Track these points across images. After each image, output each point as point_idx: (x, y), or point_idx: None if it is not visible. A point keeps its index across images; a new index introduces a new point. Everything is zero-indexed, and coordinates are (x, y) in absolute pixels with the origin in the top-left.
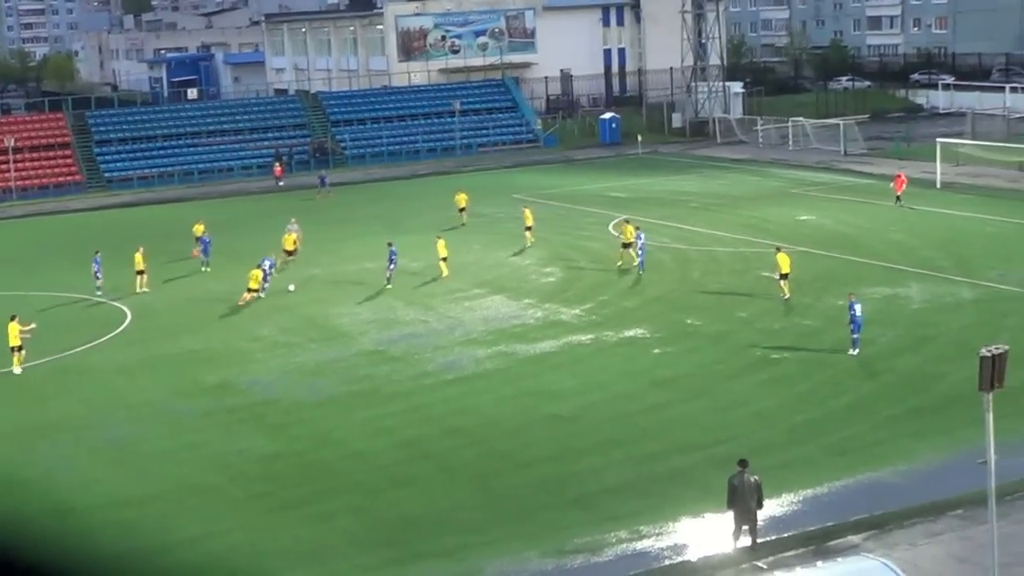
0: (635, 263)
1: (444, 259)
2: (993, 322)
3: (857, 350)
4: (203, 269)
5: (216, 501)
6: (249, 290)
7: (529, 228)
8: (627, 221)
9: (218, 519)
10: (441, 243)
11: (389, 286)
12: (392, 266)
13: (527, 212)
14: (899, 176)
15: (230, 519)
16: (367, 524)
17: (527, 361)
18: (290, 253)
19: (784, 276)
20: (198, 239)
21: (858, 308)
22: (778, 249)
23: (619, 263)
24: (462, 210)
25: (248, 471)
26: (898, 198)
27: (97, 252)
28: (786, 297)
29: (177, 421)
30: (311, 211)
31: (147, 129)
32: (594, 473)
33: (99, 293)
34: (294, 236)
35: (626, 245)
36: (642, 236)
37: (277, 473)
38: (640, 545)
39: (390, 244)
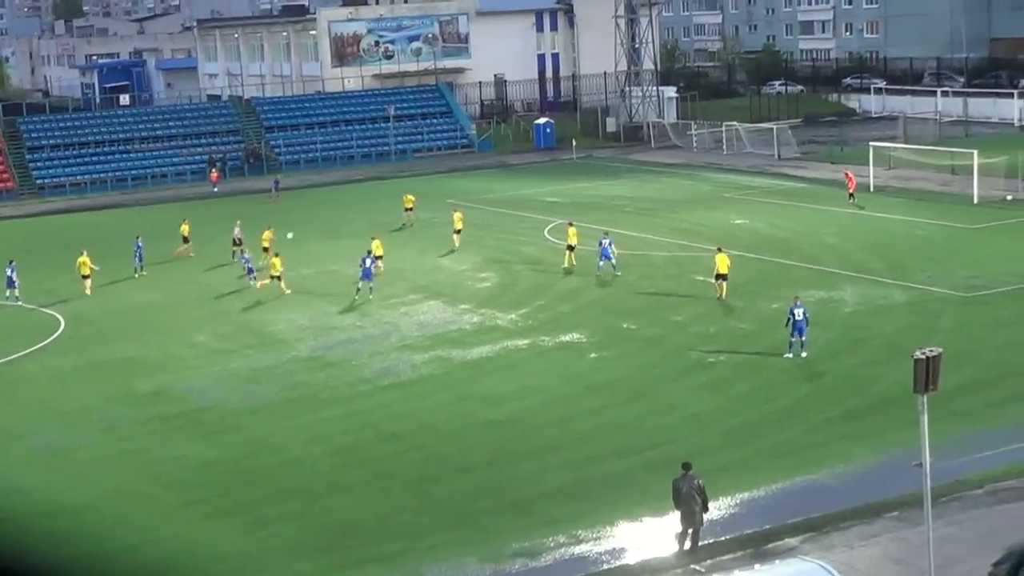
0: (572, 264)
1: (379, 258)
2: (926, 324)
3: (791, 354)
4: (136, 275)
5: (153, 509)
6: (272, 277)
7: (458, 231)
8: (571, 224)
9: (155, 527)
10: (376, 243)
11: (371, 296)
12: (367, 277)
13: (457, 216)
14: (848, 175)
15: (167, 527)
16: (305, 530)
17: (464, 366)
18: (265, 250)
19: (721, 276)
20: (184, 238)
21: (798, 312)
22: (719, 249)
23: (564, 265)
24: (408, 210)
25: (185, 478)
26: (851, 195)
27: (12, 260)
28: (719, 296)
29: (112, 428)
30: (246, 217)
31: (79, 135)
32: (532, 478)
33: (13, 300)
34: (268, 233)
35: (571, 247)
36: (606, 240)
37: (214, 480)
38: (578, 549)
39: (369, 252)
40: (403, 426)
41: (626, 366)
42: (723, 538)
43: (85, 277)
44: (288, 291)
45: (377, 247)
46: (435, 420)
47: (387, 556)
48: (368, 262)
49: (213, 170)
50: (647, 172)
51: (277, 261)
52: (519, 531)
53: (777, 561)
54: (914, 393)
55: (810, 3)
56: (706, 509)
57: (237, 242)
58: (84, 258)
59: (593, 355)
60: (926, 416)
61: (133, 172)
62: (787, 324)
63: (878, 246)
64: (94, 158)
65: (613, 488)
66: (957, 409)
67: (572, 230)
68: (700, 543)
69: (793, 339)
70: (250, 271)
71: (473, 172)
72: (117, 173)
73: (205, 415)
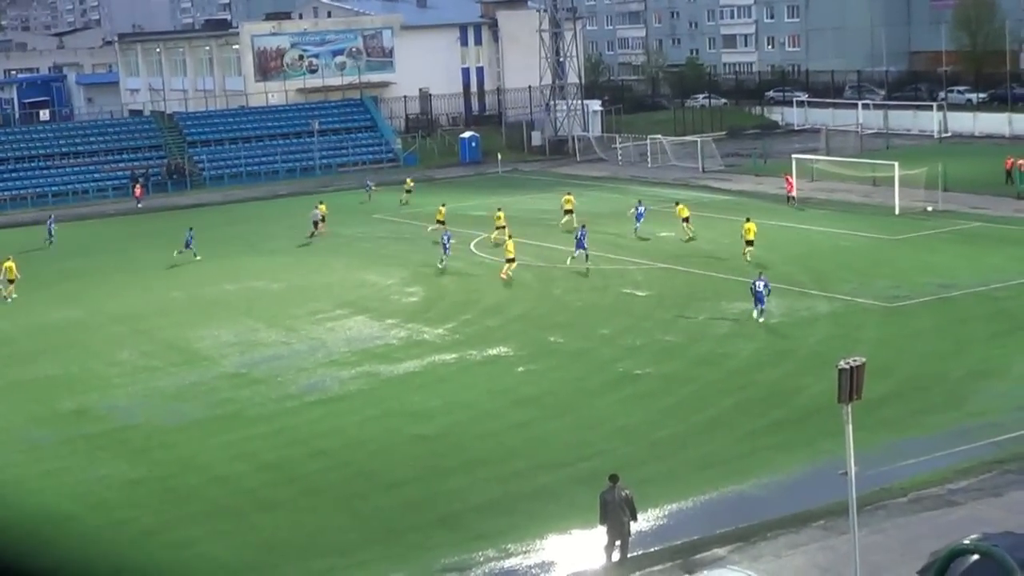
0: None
1: (441, 222)
2: (849, 335)
3: (763, 318)
4: (196, 258)
5: (76, 529)
6: (508, 260)
7: (569, 212)
8: (499, 209)
9: (78, 548)
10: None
11: (587, 264)
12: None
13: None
14: (788, 179)
15: (90, 547)
16: (232, 549)
17: (391, 381)
18: (440, 222)
19: (750, 243)
20: (322, 218)
21: (759, 284)
22: (748, 219)
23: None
24: (569, 211)
25: (109, 498)
26: (791, 199)
27: None
28: (748, 260)
29: (34, 448)
30: (168, 232)
31: None
32: (460, 492)
33: None
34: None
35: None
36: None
37: (139, 499)
38: (508, 563)
39: (584, 226)
40: (331, 442)
41: (553, 380)
42: (652, 549)
43: (11, 281)
44: (505, 277)
45: (440, 213)
46: (363, 436)
47: (315, 573)
48: (580, 233)
49: (136, 186)
50: (572, 185)
51: (511, 244)
52: (448, 546)
53: (706, 572)
54: (838, 403)
55: (733, 17)
56: (635, 519)
57: (316, 224)
58: (10, 263)
59: (520, 369)
60: (851, 425)
61: (54, 188)
62: (751, 294)
63: (802, 258)
64: (13, 174)
65: (542, 501)
66: (881, 418)
67: (501, 214)
68: (629, 555)
69: (760, 306)
70: (445, 248)
71: (398, 186)
72: (38, 189)
73: (130, 433)
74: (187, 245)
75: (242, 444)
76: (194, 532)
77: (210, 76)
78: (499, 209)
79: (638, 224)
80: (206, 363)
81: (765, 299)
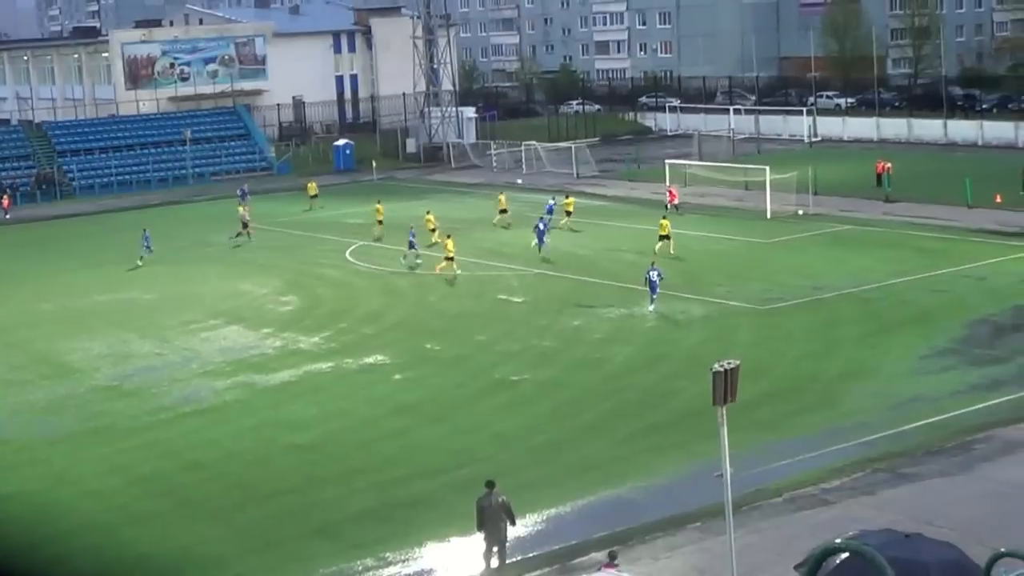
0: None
1: (504, 210)
2: (723, 337)
3: (653, 307)
4: (140, 262)
5: None
6: (447, 259)
7: (504, 211)
8: (428, 211)
9: None
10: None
11: (540, 254)
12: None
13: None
14: (670, 190)
15: None
16: (105, 565)
17: (267, 391)
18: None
19: (665, 237)
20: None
21: (653, 274)
22: (664, 216)
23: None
24: (503, 211)
25: None
26: (675, 207)
27: None
28: (671, 253)
29: None
30: (37, 243)
31: None
32: (338, 502)
33: None
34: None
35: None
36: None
37: (9, 516)
38: (386, 572)
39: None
40: (206, 454)
41: (431, 387)
42: (530, 555)
43: None
44: (458, 271)
45: (378, 212)
46: (239, 447)
47: None
48: (542, 225)
49: (4, 197)
50: (448, 192)
51: (450, 242)
52: (326, 556)
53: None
54: (713, 405)
55: (605, 24)
56: (512, 524)
57: (245, 225)
58: None
59: (397, 377)
60: (725, 428)
61: None
62: (645, 283)
63: (676, 262)
64: None
65: (419, 509)
66: (755, 420)
67: (431, 217)
68: (507, 560)
69: (654, 296)
70: (412, 244)
71: (272, 195)
72: None
73: None
74: (147, 248)
75: (115, 457)
76: (66, 548)
77: (79, 85)
78: (428, 212)
79: (548, 217)
80: (78, 376)
81: (657, 287)
